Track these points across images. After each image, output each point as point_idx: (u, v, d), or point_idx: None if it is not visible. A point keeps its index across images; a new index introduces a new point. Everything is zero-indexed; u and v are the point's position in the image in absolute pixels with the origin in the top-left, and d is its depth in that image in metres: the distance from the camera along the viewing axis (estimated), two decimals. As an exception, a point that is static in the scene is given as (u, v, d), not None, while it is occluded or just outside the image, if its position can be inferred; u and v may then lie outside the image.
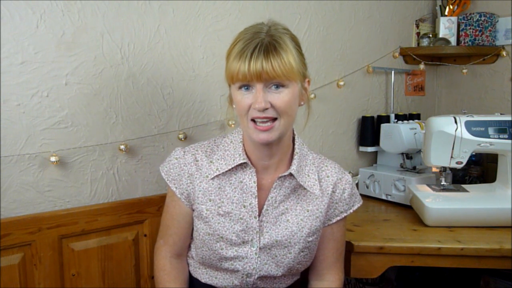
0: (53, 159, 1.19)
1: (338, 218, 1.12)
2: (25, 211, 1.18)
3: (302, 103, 1.03)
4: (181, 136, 1.41)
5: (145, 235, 1.35)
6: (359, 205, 1.15)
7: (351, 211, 1.14)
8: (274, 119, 0.96)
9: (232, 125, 1.49)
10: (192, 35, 1.42)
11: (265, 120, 0.95)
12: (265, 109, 0.94)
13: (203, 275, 1.12)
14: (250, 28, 0.98)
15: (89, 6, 1.23)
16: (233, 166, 1.04)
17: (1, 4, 1.10)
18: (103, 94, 1.28)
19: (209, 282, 1.11)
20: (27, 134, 1.17)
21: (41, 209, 1.21)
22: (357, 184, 1.83)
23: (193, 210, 1.09)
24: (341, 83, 1.82)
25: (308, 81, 1.04)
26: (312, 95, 1.73)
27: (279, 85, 0.94)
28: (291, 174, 1.05)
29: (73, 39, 1.21)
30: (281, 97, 0.95)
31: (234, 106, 1.02)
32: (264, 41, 0.93)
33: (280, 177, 1.05)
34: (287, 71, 0.93)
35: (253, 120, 0.97)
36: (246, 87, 0.96)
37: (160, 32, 1.36)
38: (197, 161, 1.08)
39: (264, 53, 0.92)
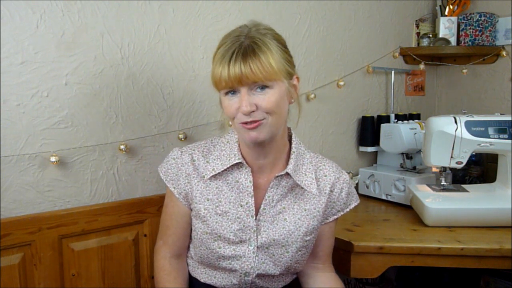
0: (53, 159, 1.19)
1: (335, 217, 1.13)
2: (25, 211, 1.18)
3: (292, 100, 1.02)
4: (181, 136, 1.41)
5: (145, 235, 1.35)
6: (355, 204, 1.16)
7: (347, 210, 1.14)
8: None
9: (232, 125, 1.49)
10: (192, 35, 1.42)
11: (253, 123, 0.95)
12: (251, 112, 0.93)
13: (202, 275, 1.12)
14: (232, 32, 0.98)
15: (89, 6, 1.23)
16: (228, 166, 1.04)
17: (1, 4, 1.10)
18: (103, 94, 1.28)
19: (208, 281, 1.11)
20: (27, 134, 1.17)
21: (41, 209, 1.21)
22: (357, 184, 1.83)
23: (191, 210, 1.10)
24: (341, 83, 1.82)
25: (297, 78, 1.03)
26: (312, 95, 1.73)
27: (263, 87, 0.94)
28: (288, 174, 1.05)
29: (73, 39, 1.21)
30: (266, 98, 0.94)
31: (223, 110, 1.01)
32: (243, 45, 0.93)
33: (277, 176, 1.05)
34: (267, 72, 0.92)
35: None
36: (232, 92, 0.96)
37: (160, 32, 1.36)
38: (194, 161, 1.08)
39: (242, 57, 0.91)
